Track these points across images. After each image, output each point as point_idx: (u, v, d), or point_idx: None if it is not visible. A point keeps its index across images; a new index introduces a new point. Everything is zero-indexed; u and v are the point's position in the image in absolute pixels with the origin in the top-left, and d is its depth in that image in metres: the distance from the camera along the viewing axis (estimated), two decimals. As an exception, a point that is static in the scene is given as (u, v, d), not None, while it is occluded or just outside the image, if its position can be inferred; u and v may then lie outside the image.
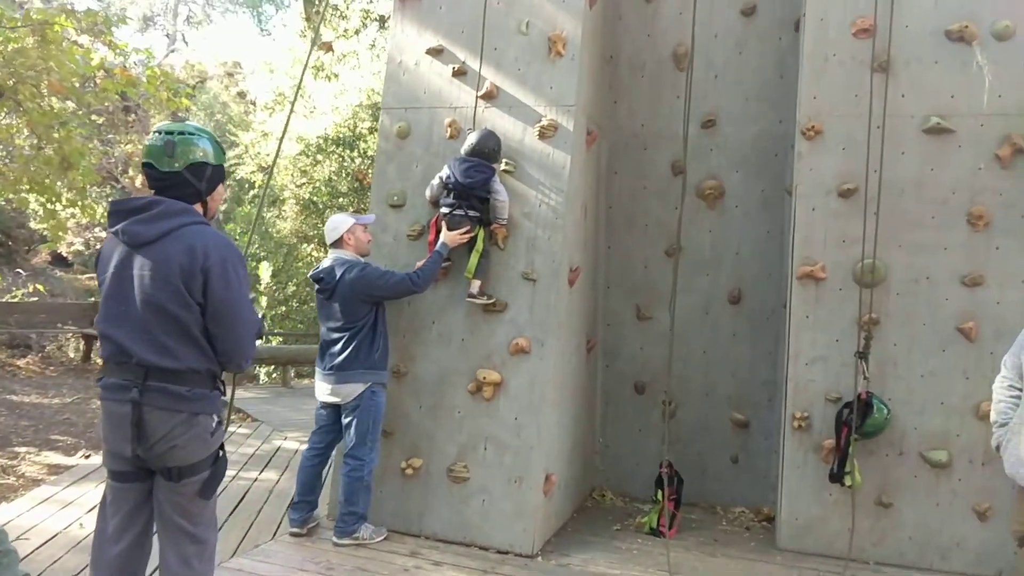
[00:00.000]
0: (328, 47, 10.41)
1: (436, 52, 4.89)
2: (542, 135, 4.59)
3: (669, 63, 5.39)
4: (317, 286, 4.44)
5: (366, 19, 10.37)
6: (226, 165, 2.80)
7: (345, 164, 11.44)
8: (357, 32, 10.55)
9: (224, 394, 2.66)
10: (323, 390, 4.38)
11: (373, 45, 9.85)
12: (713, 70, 5.29)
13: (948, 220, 4.40)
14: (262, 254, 14.66)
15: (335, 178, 11.51)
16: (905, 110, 4.46)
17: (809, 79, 4.61)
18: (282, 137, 4.95)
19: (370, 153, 10.86)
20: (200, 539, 2.56)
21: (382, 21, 10.41)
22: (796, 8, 5.05)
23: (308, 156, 12.51)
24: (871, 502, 4.44)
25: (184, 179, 2.58)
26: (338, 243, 4.47)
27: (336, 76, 11.00)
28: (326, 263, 4.46)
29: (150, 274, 2.46)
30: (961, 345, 4.36)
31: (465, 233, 4.43)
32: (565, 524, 4.92)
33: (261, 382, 11.72)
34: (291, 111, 4.40)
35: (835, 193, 4.54)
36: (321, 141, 12.21)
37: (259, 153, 13.75)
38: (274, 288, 13.86)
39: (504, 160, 4.60)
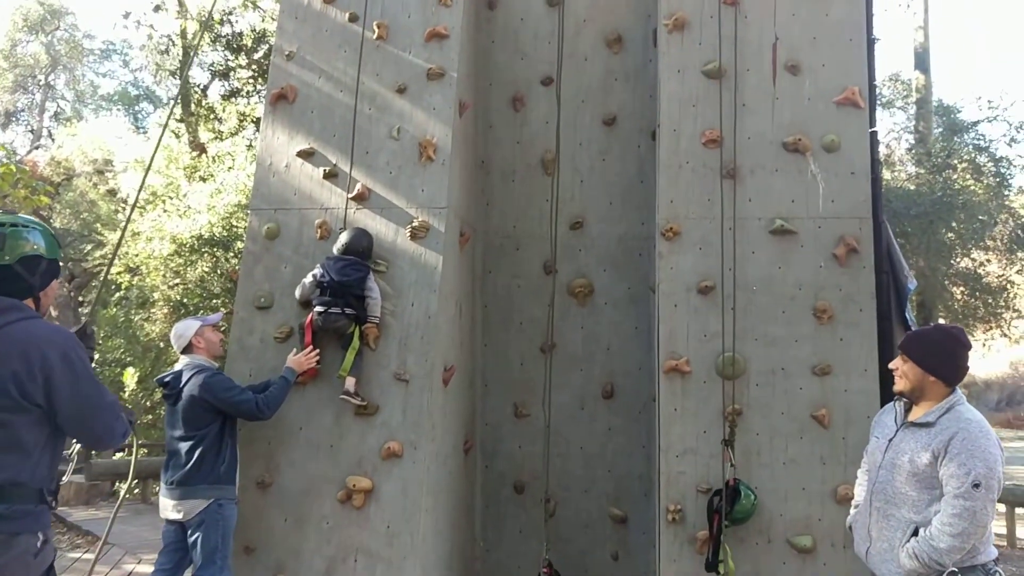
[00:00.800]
0: (202, 148, 10.26)
1: (307, 154, 4.91)
2: (414, 236, 4.63)
3: (538, 168, 5.62)
4: (163, 391, 4.21)
5: (243, 120, 10.34)
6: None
7: (219, 264, 11.10)
8: (233, 134, 10.48)
9: (54, 509, 2.42)
10: (166, 506, 4.08)
11: (250, 146, 9.78)
12: (579, 175, 5.56)
13: (797, 314, 4.71)
14: (128, 359, 13.78)
15: (207, 278, 11.12)
16: (752, 213, 4.81)
17: (666, 184, 4.92)
18: (124, 227, 4.77)
19: (245, 254, 10.61)
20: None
21: (258, 124, 10.43)
22: (652, 119, 5.42)
23: (181, 256, 12.07)
24: (746, 592, 4.49)
25: (15, 273, 2.45)
26: (188, 348, 4.28)
27: (212, 177, 10.81)
28: (176, 367, 4.25)
29: None
30: (817, 432, 4.59)
31: (312, 355, 4.35)
32: (444, 637, 4.68)
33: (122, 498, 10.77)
34: (134, 204, 4.25)
35: (695, 290, 4.79)
36: (194, 241, 11.83)
37: (127, 253, 13.15)
38: (140, 395, 12.98)
39: (375, 260, 4.60)
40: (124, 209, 18.14)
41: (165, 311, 11.97)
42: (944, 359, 2.80)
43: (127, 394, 13.11)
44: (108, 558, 6.67)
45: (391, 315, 4.54)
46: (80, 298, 20.27)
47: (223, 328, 5.27)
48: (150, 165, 4.82)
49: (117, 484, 10.87)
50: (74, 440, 2.39)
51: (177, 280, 12.29)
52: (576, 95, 5.54)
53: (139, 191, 4.62)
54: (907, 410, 2.88)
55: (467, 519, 5.28)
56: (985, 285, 11.49)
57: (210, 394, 4.03)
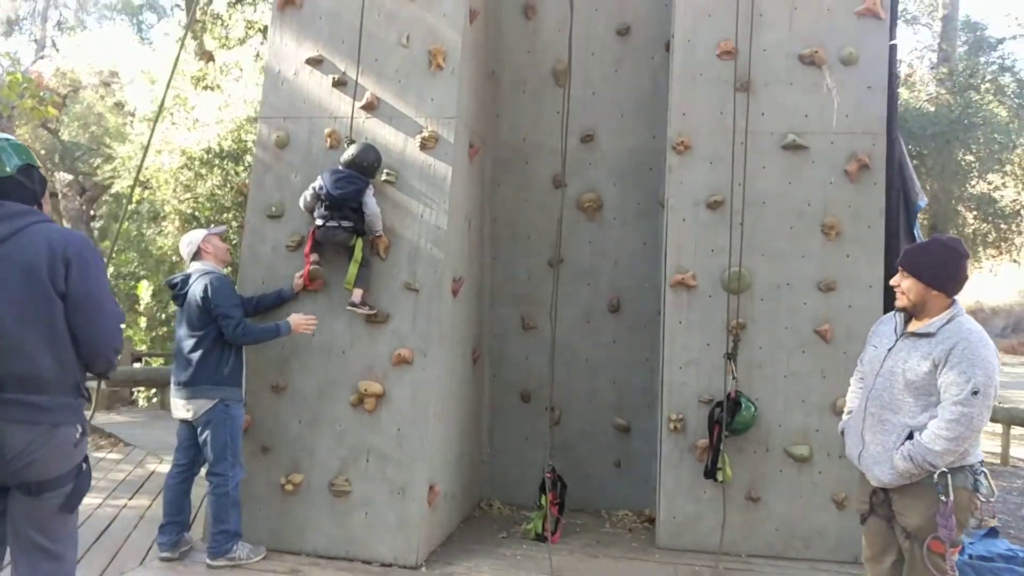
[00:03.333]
0: (209, 56, 10.08)
1: (316, 62, 4.84)
2: (423, 146, 4.62)
3: (549, 79, 5.54)
4: (172, 292, 4.31)
5: (249, 29, 10.12)
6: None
7: (229, 178, 11.06)
8: (241, 42, 10.28)
9: (89, 401, 2.54)
10: (176, 406, 4.23)
11: (258, 56, 9.56)
12: (591, 87, 5.48)
13: (804, 230, 4.71)
14: (142, 272, 13.93)
15: (219, 192, 11.11)
16: (765, 127, 4.76)
17: (678, 97, 4.86)
18: (147, 145, 4.78)
19: (255, 167, 10.56)
20: (58, 556, 2.43)
21: (265, 32, 10.19)
22: (667, 29, 5.30)
23: (191, 170, 12.03)
24: (741, 497, 4.66)
25: (18, 182, 2.53)
26: (197, 255, 4.35)
27: (219, 87, 10.65)
28: (186, 271, 4.34)
29: (7, 272, 2.34)
30: (819, 346, 4.67)
31: (311, 324, 4.39)
32: (451, 534, 4.91)
33: (140, 406, 11.11)
34: (157, 118, 4.25)
35: (704, 205, 4.79)
36: (204, 154, 11.76)
37: (137, 166, 13.11)
38: (155, 308, 13.19)
39: (385, 171, 4.60)
40: (132, 122, 17.99)
41: (177, 224, 12.04)
42: (944, 271, 2.83)
43: (142, 307, 13.33)
44: (131, 458, 6.95)
45: (400, 225, 4.57)
46: (92, 212, 20.35)
47: (234, 241, 5.33)
48: (170, 81, 4.77)
49: (136, 391, 11.20)
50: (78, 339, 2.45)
51: (188, 194, 12.30)
52: (589, 3, 5.41)
53: (159, 111, 4.60)
54: (907, 320, 2.93)
55: (475, 426, 5.46)
56: (999, 210, 11.35)
57: (206, 300, 4.11)
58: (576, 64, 5.21)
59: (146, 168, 13.04)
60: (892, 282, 2.96)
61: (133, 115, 19.67)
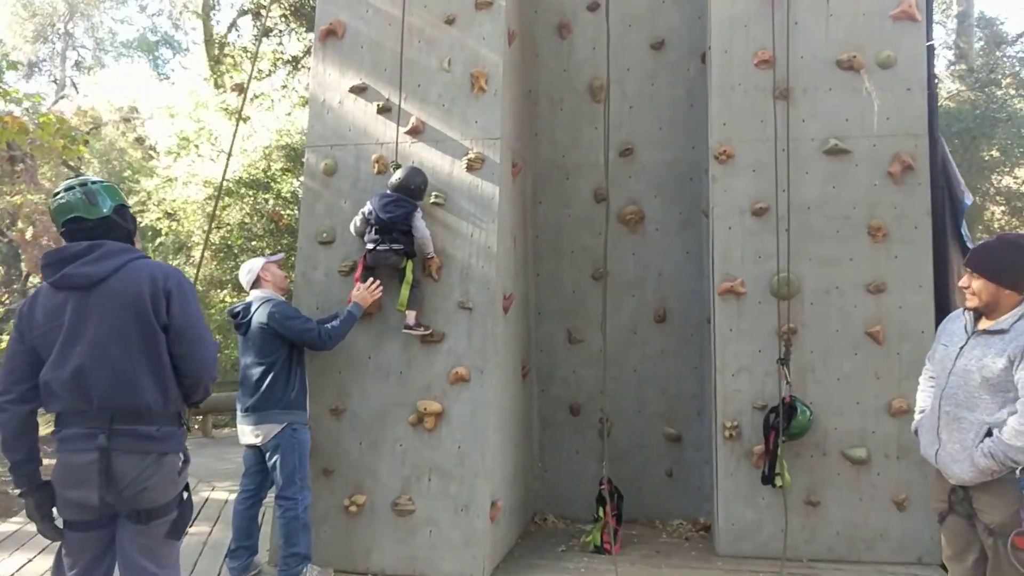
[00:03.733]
0: (240, 89, 10.30)
1: (359, 90, 4.95)
2: (470, 167, 4.70)
3: (585, 96, 5.63)
4: (234, 321, 4.39)
5: (277, 61, 10.32)
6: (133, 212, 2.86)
7: (259, 206, 11.24)
8: (269, 74, 10.48)
9: (188, 430, 2.63)
10: (244, 431, 4.30)
11: (285, 86, 9.78)
12: (628, 101, 5.56)
13: (851, 233, 4.74)
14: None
15: (248, 221, 11.29)
16: (806, 134, 4.81)
17: (718, 107, 4.92)
18: (226, 165, 4.88)
19: (284, 194, 10.73)
20: (167, 582, 2.50)
21: (294, 63, 10.40)
22: (701, 42, 5.39)
23: (216, 200, 12.23)
24: (800, 502, 4.67)
25: (114, 222, 2.64)
26: (256, 283, 4.45)
27: (247, 118, 10.87)
28: (247, 300, 4.42)
29: (114, 307, 2.43)
30: (871, 348, 4.69)
31: (375, 289, 4.47)
32: (511, 550, 4.94)
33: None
34: (230, 152, 4.34)
35: (749, 212, 4.83)
36: (231, 184, 11.96)
37: (163, 199, 13.34)
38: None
39: (434, 193, 4.68)
40: (156, 156, 18.26)
41: (207, 255, 12.21)
42: (1012, 269, 2.85)
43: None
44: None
45: (452, 246, 4.65)
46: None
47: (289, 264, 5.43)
48: (239, 120, 4.88)
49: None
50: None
51: (215, 224, 12.49)
52: (623, 19, 5.49)
53: (227, 162, 4.71)
54: (976, 318, 2.95)
55: (527, 441, 5.50)
56: (1027, 203, 11.35)
57: (275, 322, 4.20)
58: (612, 79, 5.29)
59: (172, 200, 13.28)
60: (961, 284, 2.98)
61: (155, 149, 20.00)
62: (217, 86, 13.63)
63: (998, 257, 2.89)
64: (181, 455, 2.56)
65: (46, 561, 4.87)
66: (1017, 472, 2.69)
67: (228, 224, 12.17)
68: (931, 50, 4.77)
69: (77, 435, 2.43)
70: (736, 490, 4.76)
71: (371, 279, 4.48)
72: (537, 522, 5.57)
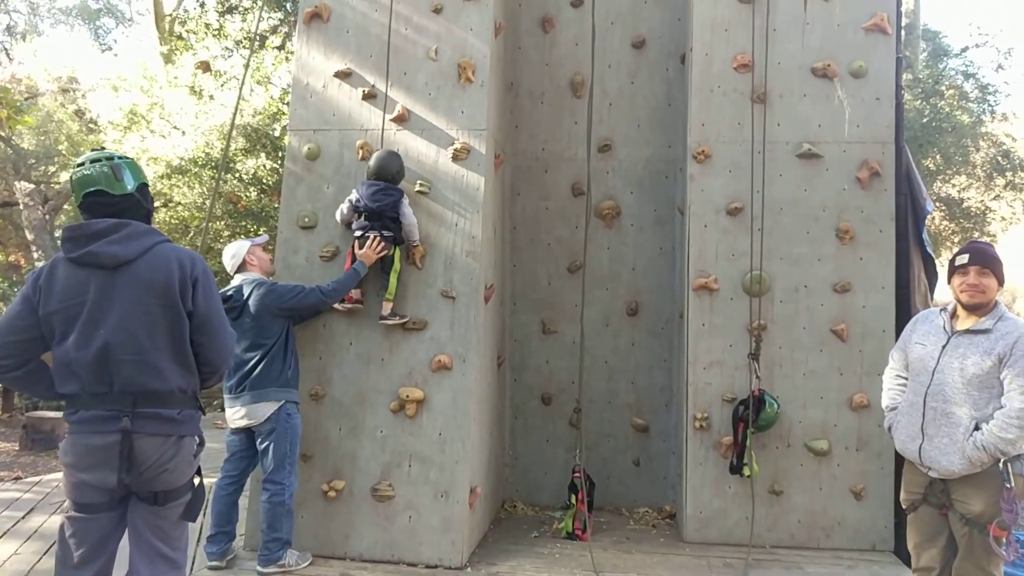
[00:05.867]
0: (206, 66, 10.03)
1: (344, 75, 4.92)
2: (455, 157, 4.73)
3: (567, 90, 5.71)
4: (225, 305, 4.34)
5: (241, 41, 10.07)
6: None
7: (215, 186, 10.98)
8: (233, 51, 10.23)
9: (204, 413, 2.62)
10: (235, 414, 4.26)
11: (247, 66, 9.52)
12: (608, 98, 5.66)
13: (820, 235, 4.95)
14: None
15: (205, 201, 11.03)
16: (781, 137, 4.99)
17: (697, 108, 5.06)
18: (229, 134, 4.79)
19: (245, 176, 10.51)
20: (179, 564, 2.51)
21: (261, 41, 10.17)
22: (681, 42, 5.52)
23: (168, 178, 11.88)
24: (765, 491, 4.87)
25: (136, 200, 2.60)
26: (242, 267, 4.42)
27: (212, 97, 10.58)
28: (235, 283, 4.38)
29: (140, 291, 2.40)
30: (835, 345, 4.91)
31: (379, 246, 4.48)
32: (485, 536, 5.03)
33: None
34: (231, 130, 4.27)
35: (724, 211, 4.99)
36: (184, 163, 11.64)
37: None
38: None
39: (419, 182, 4.70)
40: (98, 130, 17.62)
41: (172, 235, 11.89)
42: (1002, 269, 3.08)
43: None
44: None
45: (436, 235, 4.67)
46: (56, 222, 19.86)
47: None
48: (240, 93, 4.77)
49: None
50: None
51: (158, 203, 12.14)
52: (606, 17, 5.58)
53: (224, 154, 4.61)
54: (951, 317, 3.14)
55: (499, 429, 5.58)
56: (964, 210, 11.90)
57: (277, 299, 4.21)
58: (593, 76, 5.38)
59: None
60: (971, 281, 3.03)
61: (96, 123, 19.27)
62: (168, 61, 13.23)
63: (995, 257, 3.10)
64: (197, 438, 2.55)
65: (31, 546, 4.75)
66: (1000, 464, 2.89)
67: (181, 204, 11.86)
68: (899, 62, 5.00)
69: (97, 417, 2.40)
70: (704, 479, 4.93)
71: (373, 236, 4.47)
72: (507, 509, 5.66)
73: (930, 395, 3.09)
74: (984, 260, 3.06)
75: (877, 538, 4.82)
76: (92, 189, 2.51)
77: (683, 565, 4.54)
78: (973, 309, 3.06)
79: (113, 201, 2.52)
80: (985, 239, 12.85)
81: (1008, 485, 2.84)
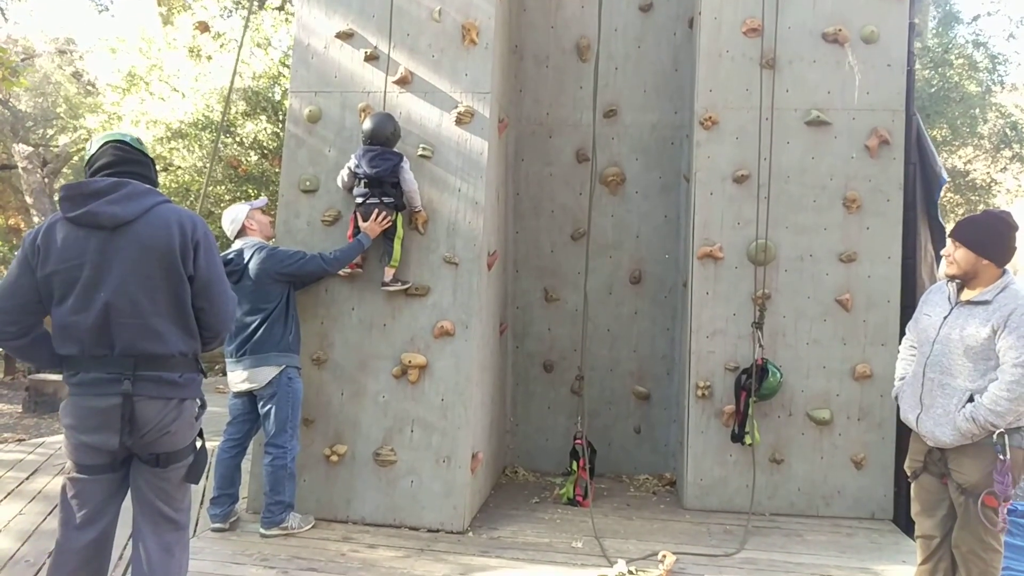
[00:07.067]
0: (204, 26, 9.87)
1: (346, 36, 4.83)
2: (459, 121, 4.66)
3: (572, 55, 5.61)
4: (226, 269, 4.31)
5: (239, 2, 9.92)
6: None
7: (214, 149, 10.87)
8: (232, 11, 10.07)
9: (205, 376, 2.61)
10: (237, 378, 4.26)
11: (246, 25, 9.37)
12: (614, 62, 5.56)
13: (827, 203, 4.90)
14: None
15: (205, 165, 10.93)
16: (789, 104, 4.91)
17: (705, 74, 4.97)
18: (228, 97, 4.72)
19: (246, 140, 10.40)
20: (181, 526, 2.51)
21: (260, 1, 10.00)
22: (689, 6, 5.41)
23: (168, 141, 11.77)
24: (766, 460, 4.89)
25: (146, 166, 2.62)
26: (242, 232, 4.38)
27: (210, 58, 10.43)
28: (235, 247, 4.35)
29: (141, 253, 2.37)
30: (839, 315, 4.88)
31: (384, 220, 4.43)
32: (487, 501, 5.05)
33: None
34: (231, 90, 4.19)
35: (730, 179, 4.94)
36: (183, 126, 11.52)
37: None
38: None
39: (421, 146, 4.64)
40: (96, 92, 17.44)
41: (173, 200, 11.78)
42: (994, 242, 3.02)
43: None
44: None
45: (438, 200, 4.63)
46: (55, 185, 19.75)
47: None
48: (239, 56, 4.68)
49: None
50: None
51: (170, 166, 12.03)
52: (613, -21, 5.47)
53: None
54: (959, 289, 3.12)
55: (500, 396, 5.58)
56: (969, 183, 11.79)
57: (278, 263, 4.18)
58: (600, 40, 5.29)
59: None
60: (944, 252, 3.14)
61: (94, 85, 19.06)
62: (166, 22, 13.03)
63: (981, 229, 3.05)
64: (198, 400, 2.54)
65: (35, 507, 4.78)
66: (994, 436, 2.88)
67: (179, 168, 11.75)
68: (912, 28, 4.90)
69: (98, 379, 2.38)
70: (705, 447, 4.94)
71: (377, 211, 4.43)
72: (508, 475, 5.69)
73: (929, 365, 3.08)
74: (960, 232, 3.05)
75: (876, 507, 4.85)
76: (114, 138, 2.55)
77: (683, 531, 4.57)
78: (953, 280, 3.06)
79: (130, 151, 2.54)
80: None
81: (1002, 457, 2.83)
